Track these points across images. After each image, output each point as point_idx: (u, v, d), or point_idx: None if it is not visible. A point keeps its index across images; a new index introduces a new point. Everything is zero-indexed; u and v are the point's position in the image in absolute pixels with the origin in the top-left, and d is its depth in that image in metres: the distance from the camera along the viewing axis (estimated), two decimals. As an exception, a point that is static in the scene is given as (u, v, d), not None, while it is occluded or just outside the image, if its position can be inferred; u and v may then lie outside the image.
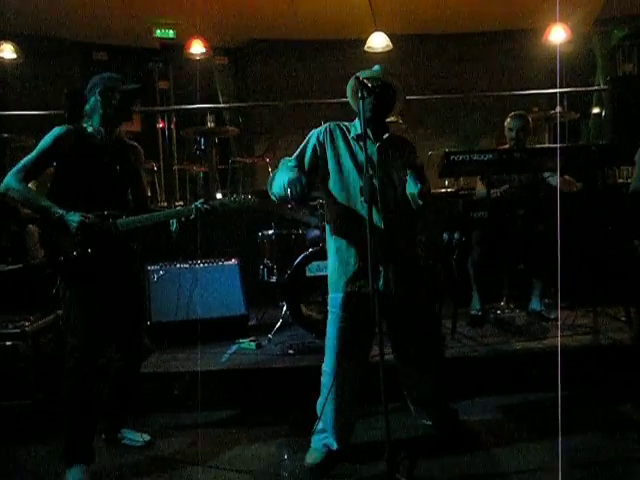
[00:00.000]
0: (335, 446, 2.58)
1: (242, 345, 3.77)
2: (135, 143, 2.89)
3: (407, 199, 2.54)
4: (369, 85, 2.40)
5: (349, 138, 2.58)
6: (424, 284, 2.68)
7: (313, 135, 2.63)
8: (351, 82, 2.50)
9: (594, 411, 3.05)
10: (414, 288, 2.60)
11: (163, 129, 6.91)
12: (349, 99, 2.63)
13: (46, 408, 3.02)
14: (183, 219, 2.79)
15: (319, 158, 2.59)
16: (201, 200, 2.79)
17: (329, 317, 2.60)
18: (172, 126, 6.89)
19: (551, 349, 3.42)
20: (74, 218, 2.52)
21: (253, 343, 3.75)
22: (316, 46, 7.21)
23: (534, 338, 3.65)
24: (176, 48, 6.86)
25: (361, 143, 2.43)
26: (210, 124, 5.88)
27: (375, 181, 2.31)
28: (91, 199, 2.60)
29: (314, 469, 2.56)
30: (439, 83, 6.94)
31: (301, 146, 2.64)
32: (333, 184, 2.58)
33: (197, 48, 6.43)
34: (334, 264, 2.61)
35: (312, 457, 2.59)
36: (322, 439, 2.60)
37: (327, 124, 2.64)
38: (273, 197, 2.57)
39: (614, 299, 3.91)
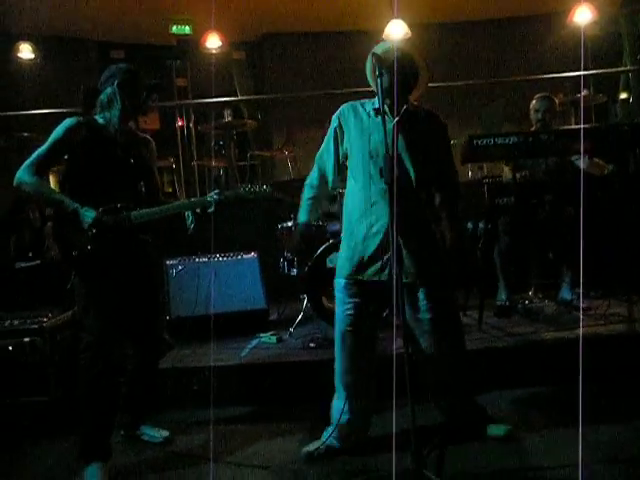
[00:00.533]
0: (337, 446, 2.54)
1: (263, 339, 3.70)
2: (148, 136, 2.84)
3: (425, 182, 2.43)
4: (385, 60, 2.29)
5: (363, 115, 2.48)
6: (443, 273, 2.54)
7: (333, 122, 2.58)
8: (368, 60, 2.40)
9: (629, 402, 2.90)
10: (430, 277, 2.48)
11: (182, 127, 6.90)
12: (368, 78, 2.51)
13: (64, 405, 2.98)
14: (198, 210, 2.75)
15: (341, 144, 2.54)
16: (216, 191, 2.73)
17: (336, 302, 2.55)
18: (191, 124, 6.88)
19: (582, 339, 3.28)
20: (89, 214, 2.48)
21: (274, 337, 3.68)
22: (334, 38, 7.13)
23: (564, 328, 3.50)
24: (193, 44, 6.84)
25: (378, 119, 2.33)
26: (228, 118, 5.84)
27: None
28: (104, 192, 2.56)
29: (306, 457, 2.52)
30: (460, 71, 6.79)
31: (325, 140, 2.60)
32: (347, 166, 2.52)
33: (213, 42, 6.39)
34: (342, 248, 2.55)
35: (310, 446, 2.55)
36: (327, 435, 2.55)
37: (343, 106, 2.56)
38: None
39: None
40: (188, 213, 2.82)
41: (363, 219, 2.46)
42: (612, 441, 2.52)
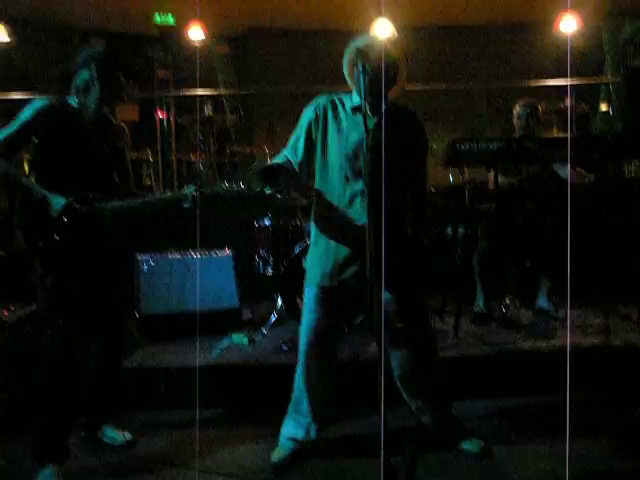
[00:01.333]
0: (301, 435, 2.49)
1: (234, 339, 3.61)
2: (122, 124, 2.73)
3: (403, 185, 2.37)
4: (366, 54, 2.18)
5: (341, 114, 2.38)
6: (418, 280, 2.48)
7: (308, 113, 2.43)
8: (347, 53, 2.30)
9: (604, 414, 2.89)
10: (405, 285, 2.41)
11: (162, 119, 6.77)
12: (345, 72, 2.39)
13: (25, 402, 2.85)
14: (174, 205, 2.63)
15: (314, 137, 2.41)
16: (194, 187, 2.62)
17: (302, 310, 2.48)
18: (170, 117, 6.76)
19: (559, 349, 3.25)
20: (59, 201, 2.37)
21: (245, 338, 3.59)
22: (319, 35, 7.06)
23: (541, 337, 3.47)
24: (175, 36, 6.72)
25: (357, 117, 2.24)
26: (208, 112, 5.74)
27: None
28: (75, 181, 2.45)
29: (278, 468, 2.44)
30: (445, 76, 6.79)
31: (294, 131, 2.46)
32: (318, 165, 2.41)
33: (196, 34, 6.27)
34: (313, 252, 2.45)
35: (277, 455, 2.49)
36: (286, 434, 2.51)
37: (319, 99, 2.44)
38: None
39: (627, 298, 3.73)
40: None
41: (332, 225, 2.38)
42: (588, 454, 2.49)
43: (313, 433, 2.52)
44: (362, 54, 2.15)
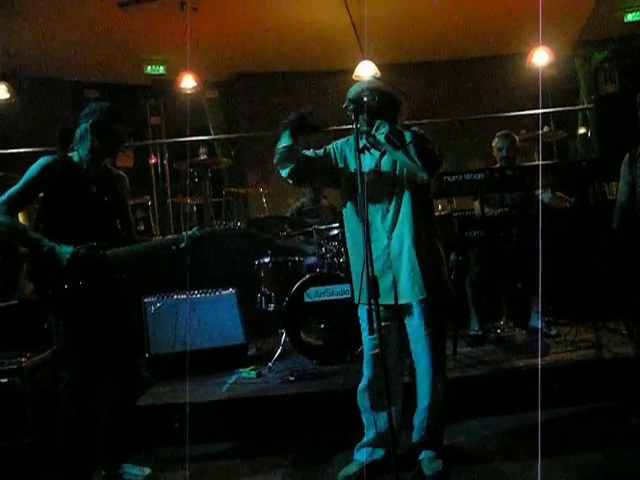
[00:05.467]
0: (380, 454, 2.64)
1: (242, 374, 3.72)
2: (121, 172, 2.86)
3: (414, 204, 2.57)
4: (361, 99, 2.46)
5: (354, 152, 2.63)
6: (440, 290, 2.63)
7: (329, 145, 2.72)
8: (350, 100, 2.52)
9: (600, 426, 3.00)
10: (428, 295, 2.56)
11: (156, 164, 6.96)
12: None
13: (45, 446, 2.95)
14: (174, 247, 2.75)
15: (333, 156, 2.68)
16: (193, 228, 2.78)
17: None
18: (165, 161, 6.95)
19: (553, 365, 3.40)
20: (67, 250, 2.49)
21: (254, 372, 3.70)
22: (304, 77, 7.32)
23: (535, 355, 3.62)
24: (167, 84, 6.96)
25: (366, 155, 2.58)
26: (203, 156, 5.93)
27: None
28: (80, 230, 2.57)
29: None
30: (428, 110, 7.03)
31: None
32: (345, 194, 2.67)
33: (188, 82, 6.52)
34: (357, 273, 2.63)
35: (345, 469, 2.65)
36: (364, 452, 2.66)
37: (337, 142, 2.72)
38: (278, 157, 2.61)
39: (614, 313, 3.90)
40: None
41: (358, 249, 2.60)
42: (582, 466, 2.59)
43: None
44: (353, 104, 2.40)
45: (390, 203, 2.58)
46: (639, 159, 3.29)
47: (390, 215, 2.58)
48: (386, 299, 2.53)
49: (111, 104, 2.74)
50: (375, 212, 2.59)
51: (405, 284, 2.55)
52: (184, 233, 2.74)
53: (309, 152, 2.69)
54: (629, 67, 7.08)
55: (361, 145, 2.62)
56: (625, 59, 7.15)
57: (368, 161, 2.62)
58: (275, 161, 2.63)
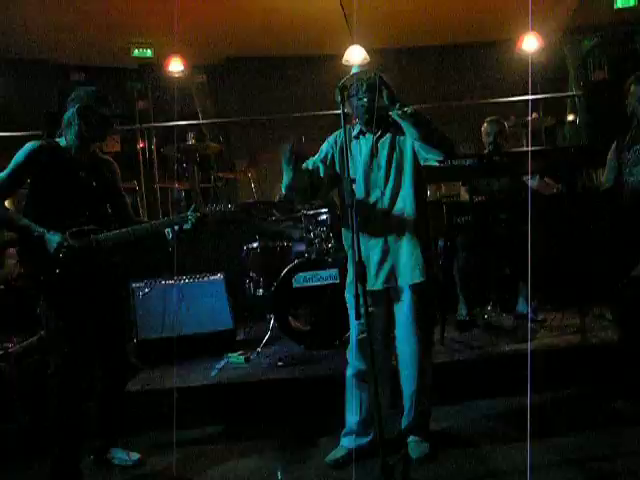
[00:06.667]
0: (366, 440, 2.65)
1: (231, 359, 3.73)
2: (109, 158, 2.85)
3: (412, 188, 2.58)
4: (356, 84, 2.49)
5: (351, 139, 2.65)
6: (430, 279, 2.63)
7: (329, 139, 2.71)
8: (337, 94, 2.49)
9: (585, 409, 3.06)
10: (418, 282, 2.57)
11: (143, 149, 6.88)
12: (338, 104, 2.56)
13: (32, 431, 2.95)
14: (177, 228, 2.73)
15: (330, 160, 2.66)
16: (193, 207, 2.75)
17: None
18: (152, 146, 6.87)
19: (540, 350, 3.44)
20: (54, 238, 2.48)
21: (242, 357, 3.71)
22: (293, 62, 7.26)
23: (522, 340, 3.66)
24: (154, 67, 6.87)
25: (361, 141, 2.58)
26: (191, 141, 5.88)
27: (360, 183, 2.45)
28: (69, 215, 2.57)
29: (330, 465, 2.62)
30: (417, 95, 7.02)
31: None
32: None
33: (176, 66, 6.44)
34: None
35: (333, 453, 2.67)
36: (351, 437, 2.67)
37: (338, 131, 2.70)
38: (285, 194, 2.64)
39: (599, 299, 3.94)
40: (168, 231, 2.77)
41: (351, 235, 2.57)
42: (566, 448, 2.64)
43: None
44: (342, 90, 2.42)
45: (386, 186, 2.58)
46: (628, 147, 3.32)
47: (387, 198, 2.58)
48: (384, 283, 2.56)
49: (98, 88, 2.71)
50: (373, 196, 2.60)
51: (406, 266, 2.56)
52: (186, 214, 2.71)
53: (310, 164, 2.67)
54: (619, 54, 7.08)
55: (356, 132, 2.66)
56: (615, 46, 7.15)
57: (363, 146, 2.63)
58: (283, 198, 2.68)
